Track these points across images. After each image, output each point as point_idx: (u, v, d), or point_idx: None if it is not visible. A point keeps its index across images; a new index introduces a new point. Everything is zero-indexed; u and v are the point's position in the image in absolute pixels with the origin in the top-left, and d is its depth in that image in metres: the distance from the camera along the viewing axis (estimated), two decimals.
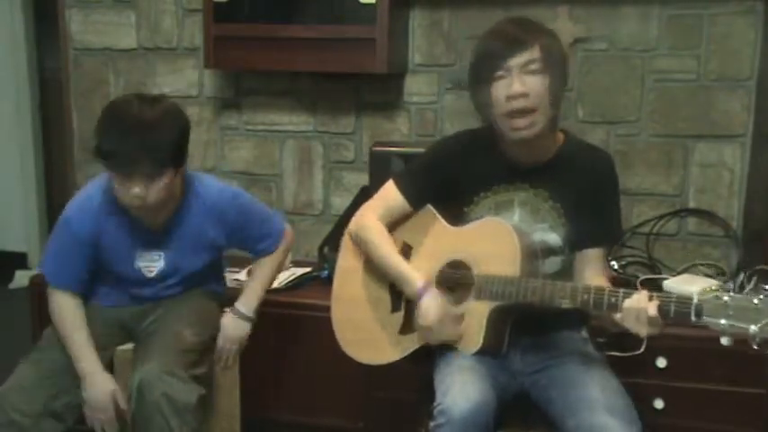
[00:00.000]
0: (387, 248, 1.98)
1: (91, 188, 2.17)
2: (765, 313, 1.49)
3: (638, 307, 1.63)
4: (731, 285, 2.45)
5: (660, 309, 1.61)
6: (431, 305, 1.86)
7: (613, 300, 1.67)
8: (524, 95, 1.76)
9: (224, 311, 2.29)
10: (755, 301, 1.51)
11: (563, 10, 2.72)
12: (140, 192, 1.97)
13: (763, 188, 2.56)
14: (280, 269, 2.40)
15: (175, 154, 2.02)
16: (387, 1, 2.62)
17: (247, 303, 2.28)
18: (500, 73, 1.77)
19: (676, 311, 1.59)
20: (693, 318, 1.56)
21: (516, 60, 1.76)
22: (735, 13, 2.61)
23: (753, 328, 1.49)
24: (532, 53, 1.76)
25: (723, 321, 1.53)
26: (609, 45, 2.72)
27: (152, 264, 2.18)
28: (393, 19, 2.67)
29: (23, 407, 2.02)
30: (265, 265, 2.32)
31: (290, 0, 2.74)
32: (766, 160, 2.55)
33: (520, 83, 1.76)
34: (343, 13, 2.68)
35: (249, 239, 2.29)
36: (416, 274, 1.92)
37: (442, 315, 1.85)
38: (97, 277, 2.22)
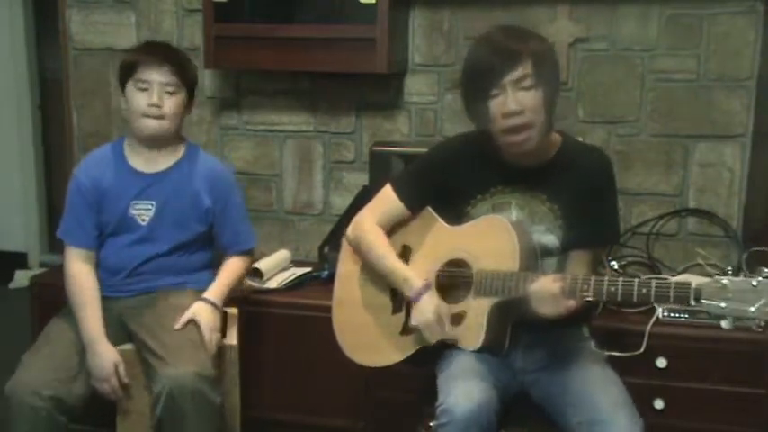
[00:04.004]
0: (384, 251, 1.99)
1: (94, 150, 2.40)
2: (764, 294, 1.50)
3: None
4: None
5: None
6: (425, 308, 1.88)
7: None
8: (519, 113, 1.77)
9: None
10: (754, 282, 1.51)
11: (563, 10, 2.72)
12: (158, 100, 2.22)
13: (763, 188, 2.56)
14: (243, 278, 2.47)
15: (191, 78, 2.32)
16: (387, 1, 2.62)
17: (217, 294, 2.30)
18: (495, 91, 1.78)
19: (675, 296, 1.59)
20: (693, 302, 1.56)
21: (509, 78, 1.76)
22: (735, 13, 2.61)
23: (752, 309, 1.50)
24: (525, 68, 1.76)
25: (723, 304, 1.53)
26: (609, 45, 2.72)
27: (144, 212, 2.29)
28: (393, 19, 2.67)
29: (32, 402, 2.02)
30: (236, 265, 2.39)
31: (289, 0, 2.74)
32: (766, 160, 2.55)
33: (515, 101, 1.77)
34: (343, 13, 2.68)
35: (229, 223, 2.36)
36: (415, 276, 1.93)
37: (434, 318, 1.87)
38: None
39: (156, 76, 2.23)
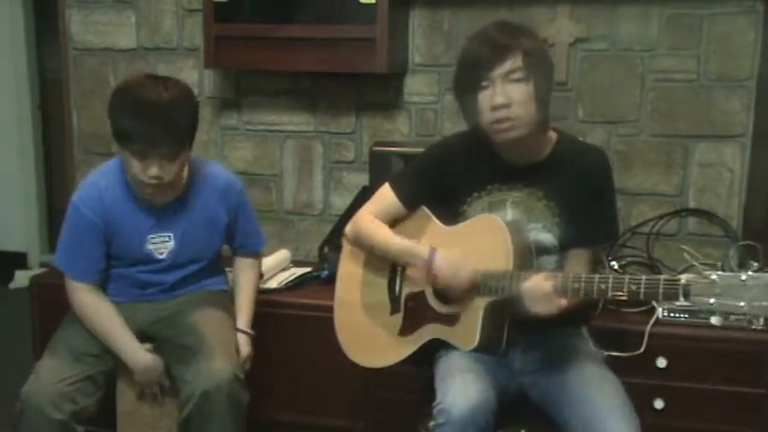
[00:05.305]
0: (386, 235, 1.99)
1: (94, 176, 2.22)
2: (753, 289, 1.49)
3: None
4: None
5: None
6: (444, 260, 1.85)
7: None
8: (506, 106, 1.78)
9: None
10: (743, 277, 1.50)
11: (563, 10, 2.72)
12: (158, 171, 2.02)
13: (763, 188, 2.56)
14: (258, 284, 2.49)
15: (191, 133, 2.10)
16: (387, 1, 2.62)
17: (248, 322, 2.35)
18: (484, 83, 1.79)
19: (665, 292, 1.59)
20: (682, 298, 1.55)
21: (499, 71, 1.78)
22: (735, 13, 2.61)
23: (741, 304, 1.49)
24: (515, 62, 1.77)
25: (712, 300, 1.52)
26: (609, 45, 2.72)
27: (162, 245, 2.22)
28: (393, 19, 2.67)
29: (52, 414, 2.01)
30: (251, 279, 2.41)
31: (290, 0, 2.74)
32: (766, 160, 2.55)
33: (502, 94, 1.77)
34: (343, 13, 2.68)
35: (240, 228, 2.36)
36: (420, 246, 1.92)
37: (457, 262, 1.85)
38: (107, 274, 2.25)
39: (154, 150, 1.99)
